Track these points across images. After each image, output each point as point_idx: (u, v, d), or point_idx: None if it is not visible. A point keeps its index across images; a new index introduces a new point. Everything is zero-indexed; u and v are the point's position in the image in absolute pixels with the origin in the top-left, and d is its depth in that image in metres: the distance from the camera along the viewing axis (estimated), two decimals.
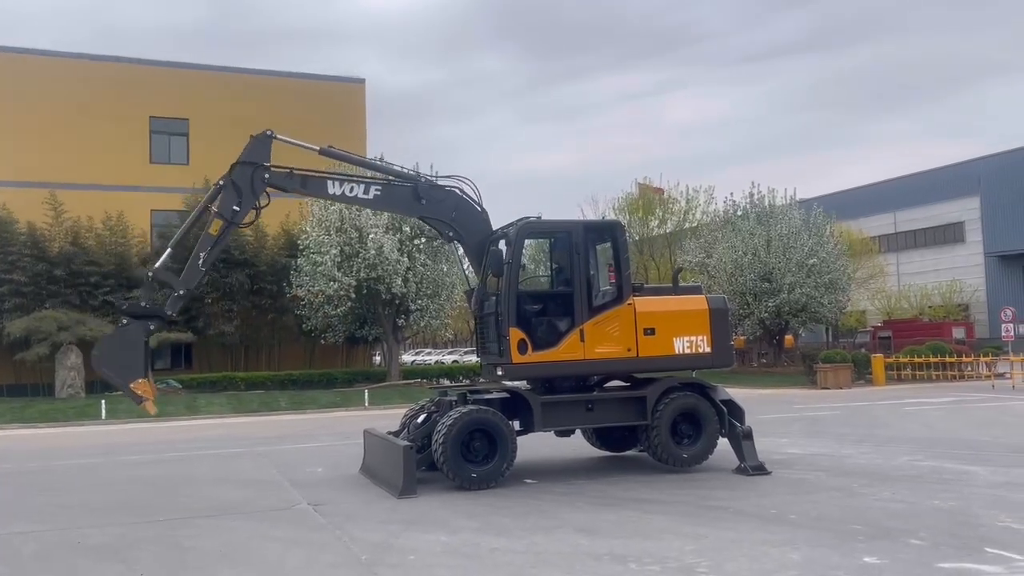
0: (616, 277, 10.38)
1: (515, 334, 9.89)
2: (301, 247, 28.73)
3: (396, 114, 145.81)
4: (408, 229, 28.31)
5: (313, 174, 10.40)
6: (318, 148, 10.60)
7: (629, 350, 10.22)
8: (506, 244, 10.19)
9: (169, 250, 10.00)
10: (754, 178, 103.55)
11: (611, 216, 44.93)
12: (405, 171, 10.97)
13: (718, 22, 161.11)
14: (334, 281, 27.30)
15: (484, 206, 10.67)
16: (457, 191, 10.61)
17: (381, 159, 29.59)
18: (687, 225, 43.56)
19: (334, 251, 27.42)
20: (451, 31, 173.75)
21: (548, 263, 11.43)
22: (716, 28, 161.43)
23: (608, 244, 10.71)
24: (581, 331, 10.09)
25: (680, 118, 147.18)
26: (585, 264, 10.27)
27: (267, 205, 10.19)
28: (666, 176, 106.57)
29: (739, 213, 37.10)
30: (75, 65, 32.68)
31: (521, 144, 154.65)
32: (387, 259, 27.24)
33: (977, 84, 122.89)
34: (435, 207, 10.49)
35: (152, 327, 9.67)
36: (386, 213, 27.66)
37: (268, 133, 10.14)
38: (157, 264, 9.97)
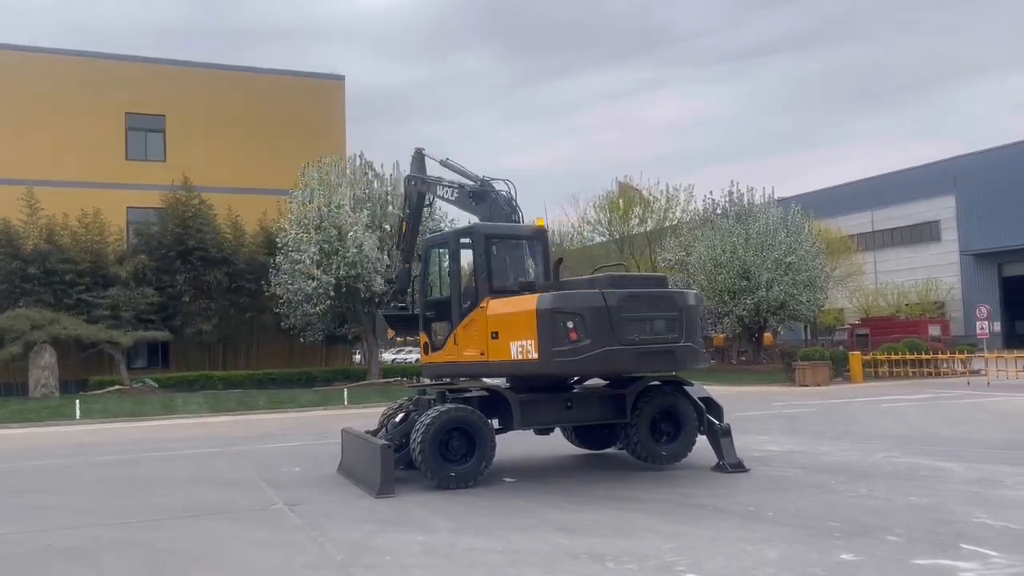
0: (475, 280, 10.25)
1: (422, 338, 11.17)
2: (280, 245, 28.52)
3: (381, 112, 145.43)
4: (388, 227, 28.21)
5: (431, 179, 12.71)
6: (439, 160, 12.74)
7: (482, 353, 9.92)
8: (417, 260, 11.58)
9: (399, 253, 13.21)
10: (735, 176, 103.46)
11: (592, 214, 45.13)
12: (480, 177, 11.94)
13: (700, 21, 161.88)
14: (313, 279, 27.14)
15: (517, 206, 11.17)
16: (494, 193, 11.27)
17: (361, 156, 30.13)
18: (667, 223, 43.73)
19: (313, 249, 27.27)
20: (434, 30, 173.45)
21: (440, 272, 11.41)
22: (698, 27, 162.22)
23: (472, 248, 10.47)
24: (455, 335, 10.32)
25: (662, 116, 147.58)
26: (458, 270, 10.50)
27: (433, 200, 13.09)
28: (648, 174, 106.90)
29: (718, 211, 37.26)
30: (50, 61, 32.27)
31: (505, 142, 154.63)
32: (367, 257, 27.12)
33: (962, 84, 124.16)
34: (481, 208, 11.36)
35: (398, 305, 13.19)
36: (366, 211, 27.90)
37: (418, 149, 12.78)
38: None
